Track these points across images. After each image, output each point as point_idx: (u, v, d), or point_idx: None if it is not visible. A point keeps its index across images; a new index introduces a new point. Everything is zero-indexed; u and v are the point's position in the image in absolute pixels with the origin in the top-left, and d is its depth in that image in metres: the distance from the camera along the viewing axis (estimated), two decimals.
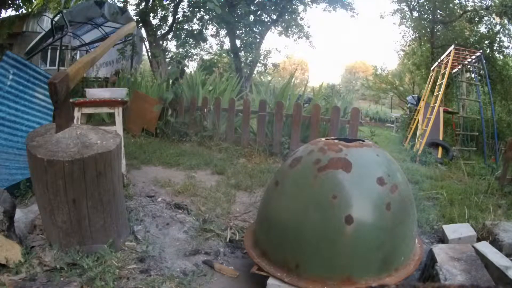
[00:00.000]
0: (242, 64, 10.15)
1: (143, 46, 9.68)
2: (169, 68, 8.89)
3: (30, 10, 9.53)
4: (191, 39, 10.75)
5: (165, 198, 2.98)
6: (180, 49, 11.27)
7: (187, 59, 11.87)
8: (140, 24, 9.33)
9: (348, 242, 1.56)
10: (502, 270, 1.72)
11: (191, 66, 12.55)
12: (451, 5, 11.47)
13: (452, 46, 6.91)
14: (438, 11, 11.83)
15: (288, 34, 11.18)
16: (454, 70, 8.07)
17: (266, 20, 10.77)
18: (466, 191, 3.65)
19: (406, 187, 1.79)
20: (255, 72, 11.46)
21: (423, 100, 8.05)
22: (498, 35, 10.66)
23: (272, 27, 11.08)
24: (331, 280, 1.56)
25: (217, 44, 12.65)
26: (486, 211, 2.94)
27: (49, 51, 11.49)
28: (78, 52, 10.13)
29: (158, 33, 10.05)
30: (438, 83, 7.04)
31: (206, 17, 10.19)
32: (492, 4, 10.48)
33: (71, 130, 1.89)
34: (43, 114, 3.88)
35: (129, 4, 9.45)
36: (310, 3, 10.96)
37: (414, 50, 13.67)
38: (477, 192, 3.54)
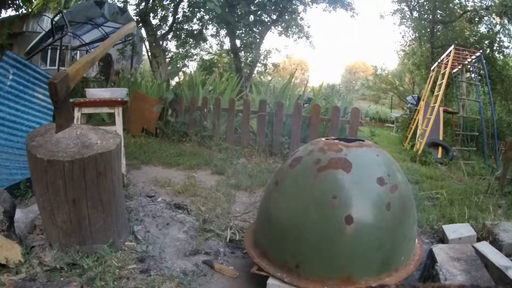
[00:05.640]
0: (242, 64, 10.17)
1: (143, 46, 9.68)
2: (169, 68, 8.91)
3: (30, 10, 9.53)
4: (191, 39, 10.77)
5: (165, 198, 2.98)
6: (180, 49, 11.29)
7: (187, 59, 11.89)
8: (140, 24, 9.33)
9: (348, 242, 1.56)
10: (502, 270, 1.71)
11: (191, 66, 12.56)
12: (451, 5, 11.47)
13: (452, 46, 6.91)
14: (438, 11, 11.83)
15: (288, 34, 11.20)
16: (454, 70, 8.08)
17: (266, 20, 10.79)
18: (466, 191, 3.65)
19: (406, 187, 1.79)
20: (255, 72, 11.48)
21: (423, 100, 8.05)
22: (498, 35, 10.67)
23: (272, 27, 11.09)
24: (331, 280, 1.56)
25: (217, 44, 12.67)
26: (486, 211, 2.94)
27: (49, 51, 11.50)
28: (78, 52, 10.14)
29: (158, 33, 10.06)
30: (438, 83, 7.04)
31: (206, 17, 10.21)
32: (492, 4, 10.49)
33: (71, 130, 1.89)
34: (43, 114, 3.88)
35: (129, 4, 9.48)
36: (310, 3, 10.97)
37: (414, 50, 13.67)
38: (477, 192, 3.54)
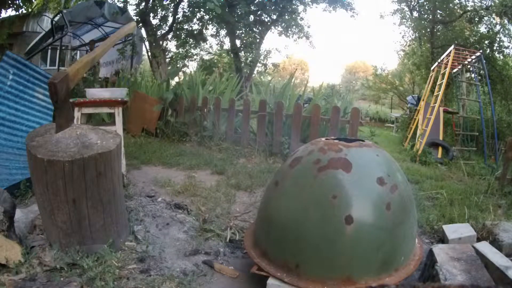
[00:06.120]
0: (242, 64, 10.16)
1: (143, 46, 9.67)
2: (169, 68, 8.90)
3: (30, 10, 9.54)
4: (191, 39, 10.77)
5: (165, 198, 2.98)
6: (180, 49, 11.29)
7: (187, 59, 11.89)
8: (140, 24, 9.33)
9: (348, 242, 1.56)
10: (502, 270, 1.71)
11: (191, 66, 12.56)
12: (451, 5, 11.48)
13: (452, 46, 6.91)
14: (438, 11, 11.83)
15: (288, 34, 11.18)
16: (454, 70, 8.08)
17: (266, 20, 10.78)
18: (466, 191, 3.65)
19: (406, 187, 1.79)
20: (255, 72, 11.47)
21: (423, 100, 8.05)
22: (498, 35, 10.68)
23: (272, 27, 11.08)
24: (331, 280, 1.56)
25: (217, 44, 12.68)
26: (486, 211, 2.94)
27: (49, 51, 11.50)
28: (78, 52, 10.14)
29: (158, 33, 10.05)
30: (438, 83, 7.04)
31: (206, 17, 10.20)
32: (492, 4, 10.49)
33: (71, 130, 1.89)
34: (43, 114, 3.88)
35: (129, 4, 9.47)
36: (310, 3, 10.97)
37: (414, 50, 13.68)
38: (477, 192, 3.54)
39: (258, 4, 10.23)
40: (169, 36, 10.59)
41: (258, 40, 10.72)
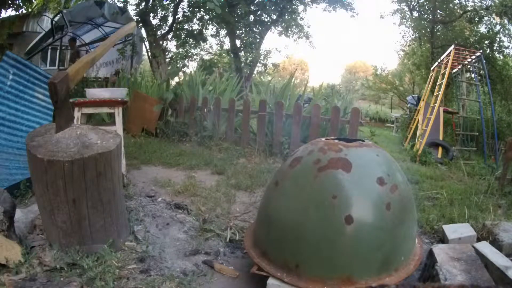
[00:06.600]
0: (242, 64, 10.14)
1: (143, 46, 9.67)
2: (169, 68, 8.90)
3: (30, 10, 9.52)
4: (191, 39, 10.75)
5: (165, 198, 2.98)
6: (180, 49, 11.28)
7: (187, 59, 11.87)
8: (140, 24, 9.32)
9: (348, 242, 1.56)
10: (502, 270, 1.71)
11: (191, 66, 12.54)
12: (451, 5, 11.48)
13: (452, 46, 6.91)
14: (438, 11, 11.84)
15: (288, 34, 11.17)
16: (454, 70, 8.08)
17: (266, 20, 10.77)
18: (466, 191, 3.65)
19: (406, 187, 1.79)
20: (255, 72, 11.45)
21: (423, 100, 8.05)
22: (498, 35, 10.68)
23: (272, 27, 11.07)
24: (331, 280, 1.56)
25: (217, 44, 12.66)
26: (486, 211, 2.94)
27: (49, 51, 11.47)
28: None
29: (158, 33, 10.04)
30: (438, 83, 7.04)
31: (206, 17, 10.19)
32: (492, 4, 10.49)
33: (71, 130, 1.89)
34: (43, 114, 3.88)
35: (129, 4, 9.45)
36: (310, 3, 10.96)
37: (414, 50, 13.68)
38: (477, 192, 3.54)
39: (258, 4, 10.22)
40: (169, 36, 10.57)
41: (258, 40, 10.70)
